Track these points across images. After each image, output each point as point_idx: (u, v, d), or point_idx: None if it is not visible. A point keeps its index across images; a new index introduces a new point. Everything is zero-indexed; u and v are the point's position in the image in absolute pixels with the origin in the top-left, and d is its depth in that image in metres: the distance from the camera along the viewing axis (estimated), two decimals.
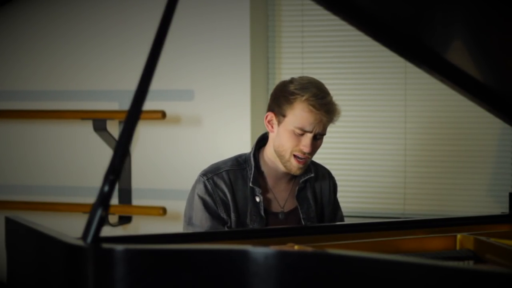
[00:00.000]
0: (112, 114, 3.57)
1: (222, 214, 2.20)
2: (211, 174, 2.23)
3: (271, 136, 2.24)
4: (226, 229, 2.19)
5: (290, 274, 1.40)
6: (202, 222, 2.20)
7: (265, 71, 3.63)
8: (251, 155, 2.26)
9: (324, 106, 2.14)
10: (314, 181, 2.33)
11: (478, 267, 1.84)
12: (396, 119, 3.54)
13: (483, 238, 1.93)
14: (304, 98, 2.13)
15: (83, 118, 3.59)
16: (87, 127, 3.60)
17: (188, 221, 2.23)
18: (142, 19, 3.58)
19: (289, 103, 2.15)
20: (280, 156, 2.20)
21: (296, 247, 1.80)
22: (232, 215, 2.20)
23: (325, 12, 1.87)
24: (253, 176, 2.23)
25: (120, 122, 3.56)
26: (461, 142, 3.49)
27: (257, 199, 2.22)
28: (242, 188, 2.23)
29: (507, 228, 2.17)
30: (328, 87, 3.57)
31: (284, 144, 2.18)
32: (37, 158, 3.81)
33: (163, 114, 3.45)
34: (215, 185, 2.21)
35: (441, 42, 1.95)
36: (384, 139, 3.56)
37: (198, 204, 2.21)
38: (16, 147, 3.85)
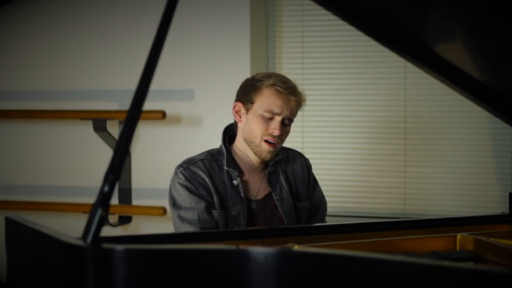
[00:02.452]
0: (112, 114, 3.57)
1: (206, 197, 2.25)
2: (187, 164, 2.30)
3: (240, 127, 2.31)
4: (214, 211, 2.24)
5: (290, 274, 1.40)
6: (192, 205, 2.24)
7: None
8: (222, 144, 2.34)
9: (290, 89, 2.25)
10: (285, 164, 2.39)
11: (478, 267, 1.84)
12: (396, 119, 3.55)
13: (483, 238, 1.93)
14: (270, 82, 2.24)
15: (83, 118, 3.59)
16: (87, 127, 3.60)
17: (180, 207, 2.26)
18: (142, 19, 3.58)
19: (257, 89, 2.25)
20: (250, 142, 2.27)
21: (296, 247, 1.80)
22: (215, 197, 2.25)
23: (325, 12, 1.87)
24: (226, 160, 2.29)
25: (120, 122, 3.56)
26: (460, 142, 3.49)
27: (235, 183, 2.28)
28: (219, 175, 2.29)
29: (507, 228, 2.17)
30: (328, 87, 3.63)
31: (254, 129, 2.25)
32: (37, 158, 3.81)
33: (163, 114, 3.45)
34: (193, 173, 2.27)
35: (441, 42, 1.95)
36: (384, 139, 3.56)
37: (181, 191, 2.26)
38: (16, 147, 3.85)
